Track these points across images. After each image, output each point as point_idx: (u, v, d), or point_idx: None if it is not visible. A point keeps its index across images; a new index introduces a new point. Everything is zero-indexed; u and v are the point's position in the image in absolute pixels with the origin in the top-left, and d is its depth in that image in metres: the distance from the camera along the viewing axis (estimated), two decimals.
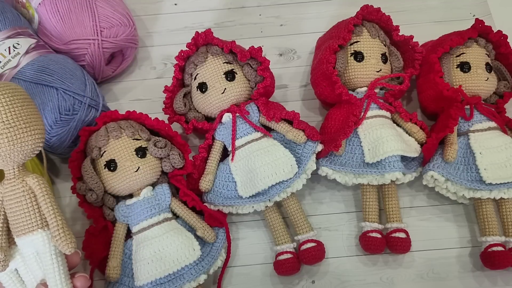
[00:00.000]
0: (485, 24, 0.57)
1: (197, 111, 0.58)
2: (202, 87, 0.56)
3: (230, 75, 0.56)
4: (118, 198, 0.54)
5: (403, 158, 0.54)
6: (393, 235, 0.53)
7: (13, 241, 0.42)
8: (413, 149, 0.54)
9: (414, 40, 0.57)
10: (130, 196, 0.53)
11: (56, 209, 0.40)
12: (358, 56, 0.57)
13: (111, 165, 0.51)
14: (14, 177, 0.41)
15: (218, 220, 0.53)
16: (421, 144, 0.56)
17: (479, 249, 0.54)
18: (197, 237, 0.51)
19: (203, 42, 0.56)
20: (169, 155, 0.53)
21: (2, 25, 0.58)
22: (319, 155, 0.55)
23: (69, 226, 0.56)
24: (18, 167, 0.41)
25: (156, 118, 0.54)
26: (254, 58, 0.55)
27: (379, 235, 0.53)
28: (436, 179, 0.53)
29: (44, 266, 0.40)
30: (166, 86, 0.56)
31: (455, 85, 0.56)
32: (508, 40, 0.58)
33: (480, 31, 0.57)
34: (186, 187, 0.53)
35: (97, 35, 0.59)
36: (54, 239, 0.39)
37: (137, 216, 0.51)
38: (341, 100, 0.56)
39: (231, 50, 0.55)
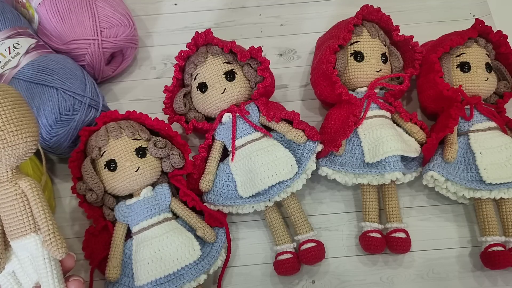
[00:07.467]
0: (485, 24, 0.57)
1: (197, 111, 0.58)
2: (202, 87, 0.56)
3: (230, 75, 0.56)
4: (118, 198, 0.54)
5: (403, 158, 0.54)
6: (393, 235, 0.53)
7: (9, 243, 0.42)
8: (413, 149, 0.54)
9: (414, 40, 0.57)
10: (130, 196, 0.53)
11: (47, 214, 0.40)
12: (358, 56, 0.57)
13: (111, 165, 0.51)
14: (7, 180, 0.40)
15: (218, 220, 0.53)
16: (421, 144, 0.56)
17: (479, 249, 0.54)
18: (197, 237, 0.51)
19: (203, 42, 0.56)
20: (169, 155, 0.53)
21: (2, 25, 0.57)
22: (319, 155, 0.55)
23: (69, 226, 0.57)
24: (11, 169, 0.40)
25: (156, 118, 0.54)
26: (254, 58, 0.55)
27: (379, 235, 0.53)
28: (436, 179, 0.53)
29: (38, 269, 0.40)
30: (166, 86, 0.56)
31: (455, 85, 0.56)
32: (508, 40, 0.58)
33: (480, 31, 0.57)
34: (186, 187, 0.53)
35: (97, 35, 0.59)
36: (45, 244, 0.39)
37: (137, 216, 0.51)
38: (341, 100, 0.56)
39: (231, 50, 0.55)
